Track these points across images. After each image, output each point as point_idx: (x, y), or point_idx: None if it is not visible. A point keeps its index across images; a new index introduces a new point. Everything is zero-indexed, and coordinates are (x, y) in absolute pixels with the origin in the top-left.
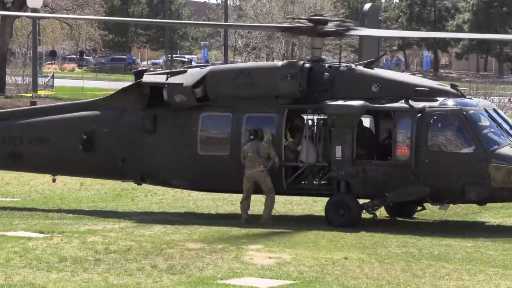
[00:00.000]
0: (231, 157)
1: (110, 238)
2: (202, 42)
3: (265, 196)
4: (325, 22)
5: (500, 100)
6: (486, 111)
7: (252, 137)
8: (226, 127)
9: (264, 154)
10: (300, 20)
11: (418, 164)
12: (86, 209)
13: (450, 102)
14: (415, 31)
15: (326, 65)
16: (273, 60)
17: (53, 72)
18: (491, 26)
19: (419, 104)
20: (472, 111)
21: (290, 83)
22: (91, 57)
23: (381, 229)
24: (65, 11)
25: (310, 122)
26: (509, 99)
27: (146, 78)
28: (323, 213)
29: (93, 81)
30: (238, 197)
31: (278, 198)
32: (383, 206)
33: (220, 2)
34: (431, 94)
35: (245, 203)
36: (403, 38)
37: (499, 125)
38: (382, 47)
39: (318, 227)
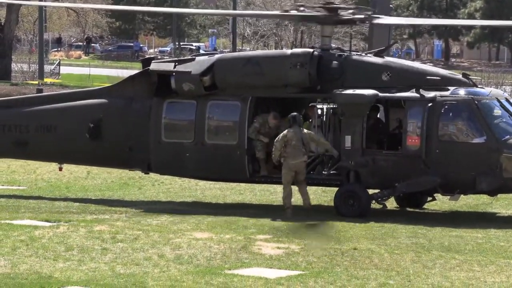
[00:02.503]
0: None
1: (117, 227)
2: (210, 30)
3: (298, 186)
4: (338, 10)
5: None
6: (498, 100)
7: (291, 123)
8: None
9: (306, 143)
10: (314, 8)
11: (428, 154)
12: (93, 198)
13: (462, 92)
14: (427, 19)
15: (336, 54)
16: (281, 48)
17: (59, 59)
18: (503, 14)
19: (430, 94)
20: (484, 101)
21: (300, 71)
22: (97, 45)
23: (390, 220)
24: None
25: (319, 111)
26: None
27: (154, 66)
28: (332, 203)
29: (100, 68)
30: (246, 186)
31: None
32: (393, 197)
33: None
34: (442, 83)
35: (289, 199)
36: (413, 27)
37: (511, 114)
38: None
39: (327, 218)
